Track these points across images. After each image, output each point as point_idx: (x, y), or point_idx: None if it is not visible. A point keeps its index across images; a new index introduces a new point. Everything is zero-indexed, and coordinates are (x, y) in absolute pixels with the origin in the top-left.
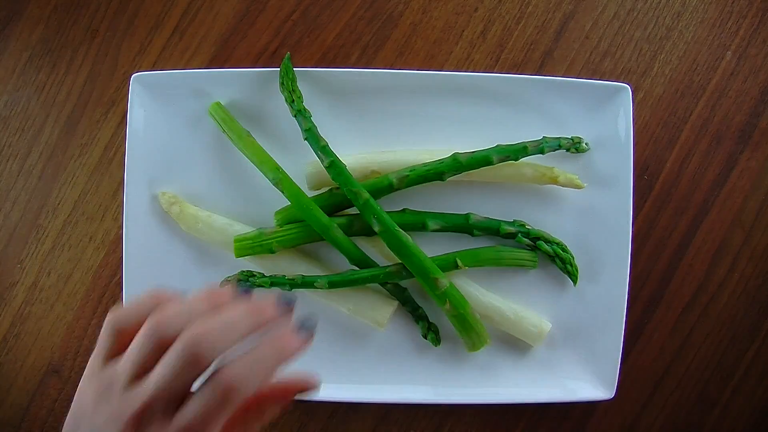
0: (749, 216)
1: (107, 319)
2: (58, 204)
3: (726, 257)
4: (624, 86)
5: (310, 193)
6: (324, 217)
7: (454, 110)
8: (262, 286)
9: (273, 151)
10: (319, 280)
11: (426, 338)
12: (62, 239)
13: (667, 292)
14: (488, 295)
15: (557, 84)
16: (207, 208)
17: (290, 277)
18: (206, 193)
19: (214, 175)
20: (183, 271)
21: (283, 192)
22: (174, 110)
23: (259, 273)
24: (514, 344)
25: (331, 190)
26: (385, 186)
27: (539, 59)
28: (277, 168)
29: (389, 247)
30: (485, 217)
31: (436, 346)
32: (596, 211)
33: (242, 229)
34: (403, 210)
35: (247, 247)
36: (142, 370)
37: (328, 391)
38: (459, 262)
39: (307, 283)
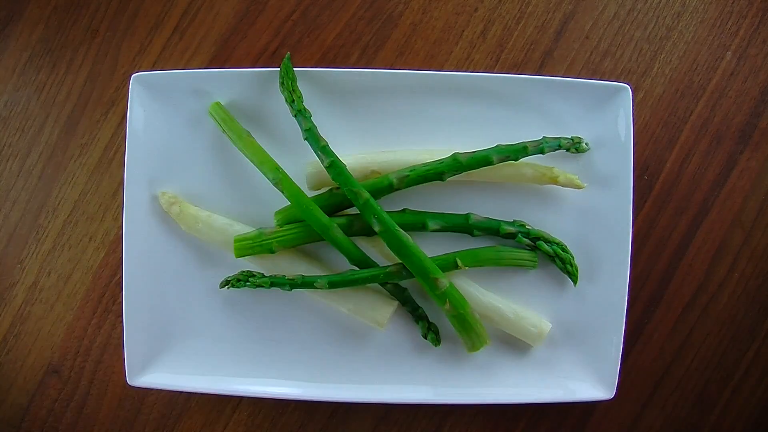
0: (749, 216)
1: None
2: (58, 204)
3: (726, 257)
4: (624, 86)
5: (310, 193)
6: (324, 217)
7: (454, 110)
8: (262, 286)
9: (273, 151)
10: (319, 280)
11: (426, 338)
12: (62, 239)
13: (667, 292)
14: (488, 295)
15: (557, 84)
16: (207, 208)
17: (290, 277)
18: (206, 193)
19: (214, 175)
20: (183, 271)
21: (283, 192)
22: (174, 110)
23: (259, 273)
24: (514, 344)
25: (331, 190)
26: (385, 186)
27: (539, 59)
28: (277, 168)
29: (389, 247)
30: (485, 217)
31: (436, 346)
32: (596, 211)
33: (242, 229)
34: (403, 210)
35: (247, 247)
36: None
37: (328, 391)
38: (459, 262)
39: (307, 283)
